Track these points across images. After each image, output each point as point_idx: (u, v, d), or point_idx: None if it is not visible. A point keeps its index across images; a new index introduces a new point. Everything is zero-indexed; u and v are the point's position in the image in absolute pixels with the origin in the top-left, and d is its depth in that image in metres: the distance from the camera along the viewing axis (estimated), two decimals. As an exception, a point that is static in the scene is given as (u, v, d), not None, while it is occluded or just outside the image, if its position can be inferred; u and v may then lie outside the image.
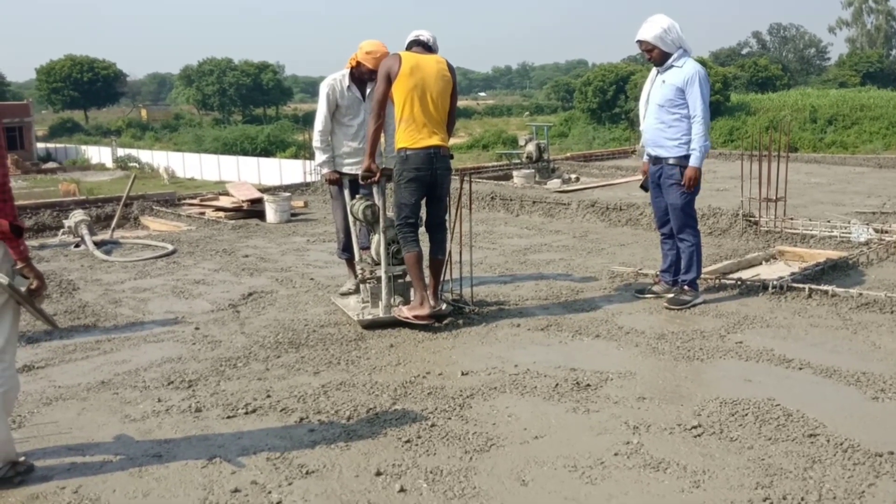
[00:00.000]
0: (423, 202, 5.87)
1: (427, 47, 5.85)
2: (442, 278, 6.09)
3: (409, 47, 5.86)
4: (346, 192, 6.40)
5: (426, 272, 5.89)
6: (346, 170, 6.45)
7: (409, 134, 5.67)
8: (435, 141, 5.70)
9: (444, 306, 5.93)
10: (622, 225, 10.25)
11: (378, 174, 5.82)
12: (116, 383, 4.73)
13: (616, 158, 19.86)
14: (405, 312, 5.68)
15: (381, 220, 5.87)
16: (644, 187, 6.64)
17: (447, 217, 6.05)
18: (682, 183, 6.10)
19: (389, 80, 5.64)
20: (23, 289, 3.39)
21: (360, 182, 5.93)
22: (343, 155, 6.48)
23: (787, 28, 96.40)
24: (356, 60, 6.32)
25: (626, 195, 12.09)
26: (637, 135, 20.44)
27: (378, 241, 5.92)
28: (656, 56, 6.12)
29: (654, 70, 6.36)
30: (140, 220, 11.70)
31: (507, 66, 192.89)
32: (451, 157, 5.92)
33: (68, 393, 4.58)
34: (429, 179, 5.73)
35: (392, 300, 5.86)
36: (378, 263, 5.94)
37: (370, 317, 5.81)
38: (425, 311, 5.65)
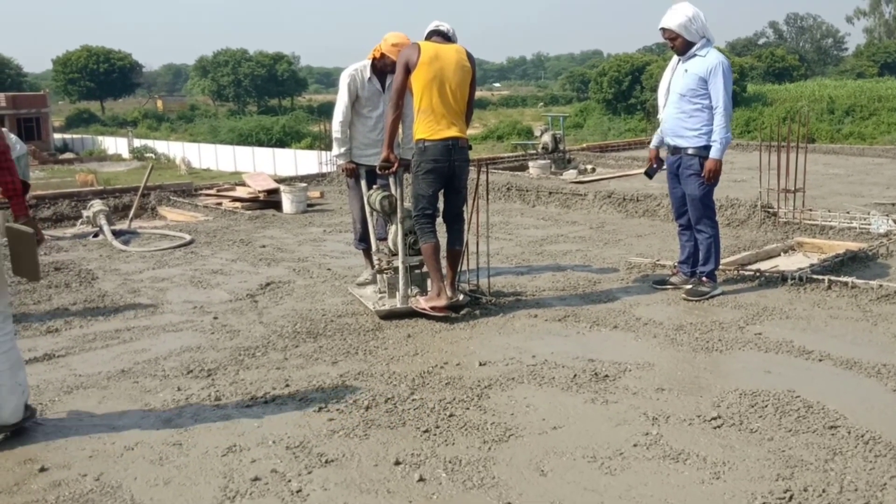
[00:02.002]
0: (441, 193, 5.86)
1: (446, 38, 5.82)
2: (459, 269, 6.08)
3: (429, 37, 5.82)
4: (363, 183, 6.39)
5: (443, 263, 5.88)
6: (363, 161, 6.45)
7: (428, 125, 5.65)
8: (453, 132, 5.68)
9: (461, 297, 5.93)
10: (639, 216, 10.21)
11: (396, 164, 5.82)
12: (136, 372, 4.76)
13: (632, 149, 19.76)
14: (422, 303, 5.68)
15: (398, 210, 5.87)
16: (648, 174, 6.62)
17: (465, 208, 6.04)
18: (702, 174, 6.06)
19: (408, 70, 5.62)
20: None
21: (378, 172, 5.93)
22: (361, 146, 6.47)
23: (804, 18, 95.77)
24: (380, 52, 6.28)
25: (643, 186, 12.03)
26: (653, 125, 20.37)
27: (395, 231, 5.92)
28: (679, 45, 6.07)
29: (674, 58, 6.31)
30: (157, 210, 11.75)
31: (522, 57, 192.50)
32: (470, 147, 5.90)
33: (89, 382, 4.61)
34: (447, 171, 5.71)
35: (409, 291, 5.86)
36: (395, 254, 5.94)
37: (387, 307, 5.82)
38: (442, 302, 5.64)
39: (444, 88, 5.62)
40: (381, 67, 6.35)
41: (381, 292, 6.12)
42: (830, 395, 4.23)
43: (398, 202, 5.88)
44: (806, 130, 10.64)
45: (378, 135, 6.38)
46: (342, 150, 6.45)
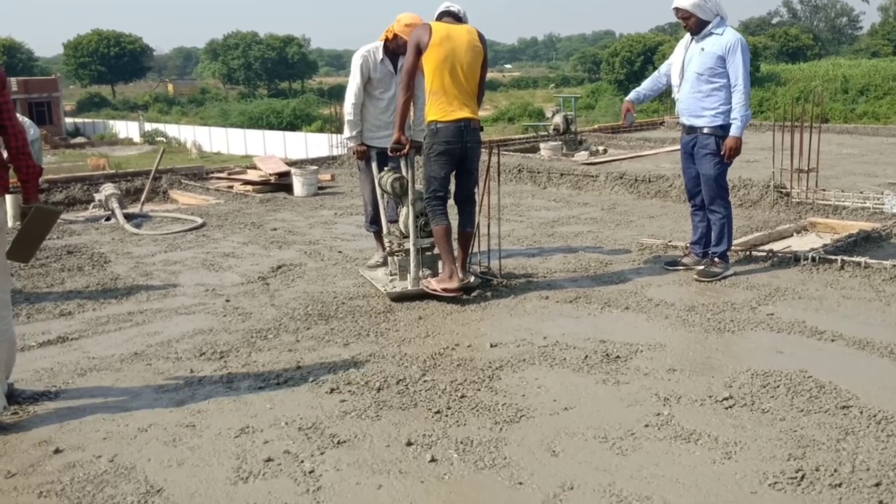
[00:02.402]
0: (453, 175, 5.86)
1: (457, 18, 5.78)
2: (470, 251, 6.09)
3: (440, 18, 5.79)
4: (374, 165, 6.39)
5: (455, 246, 5.88)
6: (374, 143, 6.44)
7: (440, 106, 5.63)
8: (465, 113, 5.66)
9: (472, 279, 5.94)
10: (651, 197, 10.17)
11: (408, 146, 5.81)
12: (149, 354, 4.79)
13: (644, 130, 19.66)
14: (434, 285, 5.69)
15: (409, 192, 5.86)
16: (624, 127, 6.63)
17: (476, 190, 6.03)
18: (722, 153, 6.03)
19: (419, 51, 5.59)
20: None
21: (389, 154, 5.92)
22: (372, 128, 6.45)
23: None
24: (393, 32, 6.25)
25: (655, 167, 11.98)
26: (665, 106, 20.25)
27: (406, 213, 5.92)
28: (693, 24, 6.02)
29: (685, 38, 6.26)
30: (169, 193, 11.79)
31: (534, 38, 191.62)
32: (482, 129, 5.89)
33: (102, 364, 4.65)
34: (459, 153, 5.70)
35: (420, 273, 5.87)
36: (406, 236, 5.95)
37: (398, 289, 5.83)
38: (454, 283, 5.65)
39: (455, 69, 5.59)
40: (394, 49, 6.32)
41: (392, 275, 6.13)
42: (843, 375, 4.22)
43: (409, 184, 5.87)
44: (820, 110, 10.57)
45: (390, 117, 6.36)
46: (354, 132, 6.44)
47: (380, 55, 6.36)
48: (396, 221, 6.21)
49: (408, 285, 5.84)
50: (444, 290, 5.64)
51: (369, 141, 6.47)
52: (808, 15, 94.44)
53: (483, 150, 6.16)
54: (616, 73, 52.03)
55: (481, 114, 6.34)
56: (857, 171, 11.63)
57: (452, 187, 5.93)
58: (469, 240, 5.98)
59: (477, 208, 6.07)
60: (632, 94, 6.64)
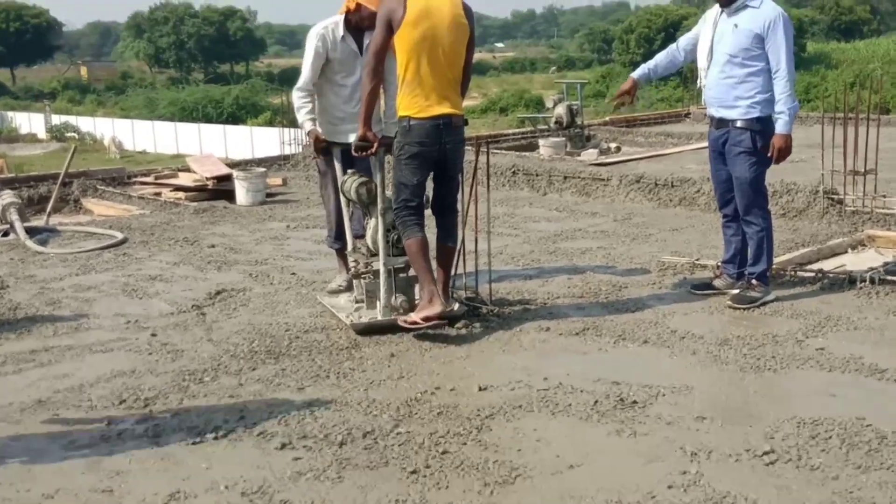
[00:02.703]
0: (431, 178, 5.87)
1: None
2: (453, 272, 6.09)
3: None
4: (338, 167, 6.39)
5: (434, 265, 5.88)
6: (337, 139, 6.43)
7: (414, 100, 5.63)
8: (445, 108, 5.65)
9: (456, 306, 5.94)
10: (674, 205, 10.24)
11: (376, 144, 5.81)
12: (57, 402, 4.76)
13: (665, 123, 19.80)
14: (413, 318, 5.61)
15: (378, 200, 5.87)
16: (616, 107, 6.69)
17: (458, 197, 6.04)
18: (765, 152, 6.07)
19: (391, 28, 5.56)
20: None
21: (354, 153, 5.91)
22: (334, 121, 6.46)
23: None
24: (355, 2, 6.26)
25: (679, 168, 12.06)
26: (691, 94, 20.36)
27: (375, 226, 5.92)
28: None
29: (713, 11, 6.32)
30: (82, 202, 11.74)
31: (531, 11, 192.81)
32: (466, 123, 5.91)
33: (-2, 414, 4.62)
34: (435, 155, 5.70)
35: (393, 299, 5.87)
36: (375, 254, 5.95)
37: (366, 320, 5.82)
38: (436, 309, 5.58)
39: (435, 53, 5.58)
40: (357, 23, 6.34)
41: (357, 301, 6.13)
42: (909, 423, 4.26)
43: (379, 190, 5.87)
44: (879, 99, 10.69)
45: (355, 107, 6.36)
46: (308, 117, 6.40)
47: (340, 32, 6.37)
48: (363, 236, 6.22)
49: (377, 314, 5.84)
50: (425, 318, 5.60)
51: (331, 136, 6.45)
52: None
53: (468, 148, 6.19)
54: (631, 54, 52.37)
55: (467, 103, 6.38)
56: (924, 173, 11.74)
57: (430, 194, 5.95)
58: (451, 257, 5.98)
59: (461, 219, 6.08)
60: (639, 70, 6.70)
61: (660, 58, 6.68)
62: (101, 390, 4.92)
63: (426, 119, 5.63)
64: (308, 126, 6.46)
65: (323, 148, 6.45)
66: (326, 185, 6.65)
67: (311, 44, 6.38)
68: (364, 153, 5.84)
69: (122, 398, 4.78)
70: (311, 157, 6.76)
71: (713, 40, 6.24)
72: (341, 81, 6.44)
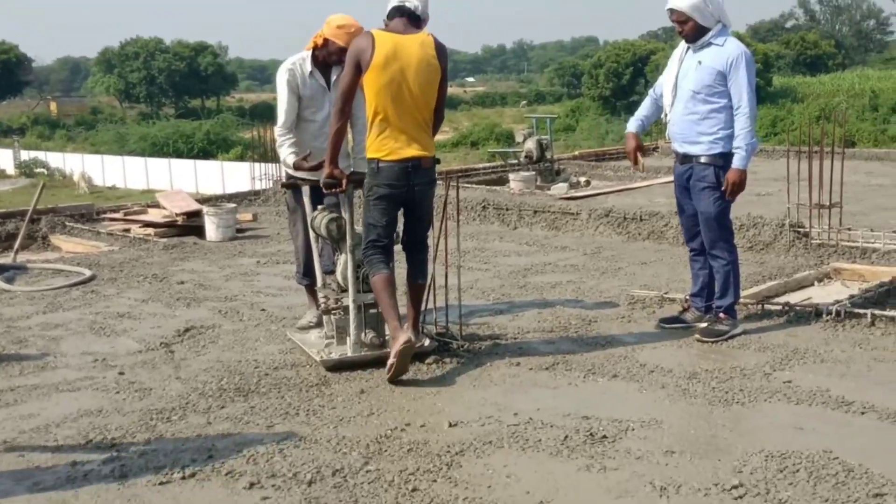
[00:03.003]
0: (401, 215, 5.87)
1: (413, 18, 5.65)
2: (423, 307, 6.09)
3: (391, 17, 5.66)
4: (307, 203, 6.40)
5: (404, 300, 5.86)
6: (306, 175, 6.45)
7: (383, 142, 5.60)
8: (413, 151, 5.62)
9: (426, 342, 5.94)
10: (643, 238, 10.30)
11: (345, 182, 5.80)
12: (22, 443, 4.71)
13: (635, 157, 19.91)
14: (391, 360, 5.45)
15: (348, 237, 5.87)
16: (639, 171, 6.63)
17: (430, 233, 6.04)
18: (723, 189, 6.13)
19: (359, 68, 5.53)
20: None
21: (324, 191, 5.91)
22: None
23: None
24: (322, 38, 6.29)
25: (648, 202, 12.15)
26: (660, 128, 20.54)
27: (345, 262, 5.92)
28: (690, 30, 6.16)
29: (680, 47, 6.40)
30: (50, 239, 11.66)
31: (501, 46, 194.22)
32: (438, 162, 5.91)
33: (-38, 456, 4.56)
34: (404, 197, 5.69)
35: (363, 335, 5.86)
36: (345, 290, 5.95)
37: (336, 356, 5.81)
38: (401, 339, 5.40)
39: (403, 95, 5.55)
40: (325, 58, 6.37)
41: (327, 338, 6.12)
42: (875, 455, 4.28)
43: (349, 226, 5.87)
44: (844, 132, 10.82)
45: (323, 142, 6.36)
46: (291, 150, 6.37)
47: (308, 67, 6.41)
48: (333, 272, 6.22)
49: (347, 351, 5.83)
50: (395, 354, 5.43)
51: (298, 173, 6.47)
52: (828, 18, 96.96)
53: (439, 181, 6.19)
54: (601, 88, 52.96)
55: (438, 137, 6.38)
56: (889, 206, 11.89)
57: (400, 229, 5.95)
58: (421, 294, 5.98)
59: (431, 254, 6.08)
60: (633, 124, 6.69)
61: (645, 108, 6.65)
62: (67, 430, 4.88)
63: (395, 162, 5.60)
64: (291, 160, 6.42)
65: (292, 184, 6.47)
66: (296, 220, 6.66)
67: (283, 78, 6.41)
68: (333, 191, 5.83)
69: (89, 438, 4.74)
70: (281, 192, 6.75)
71: (678, 76, 6.32)
72: (310, 117, 6.46)
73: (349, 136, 6.20)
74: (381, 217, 5.70)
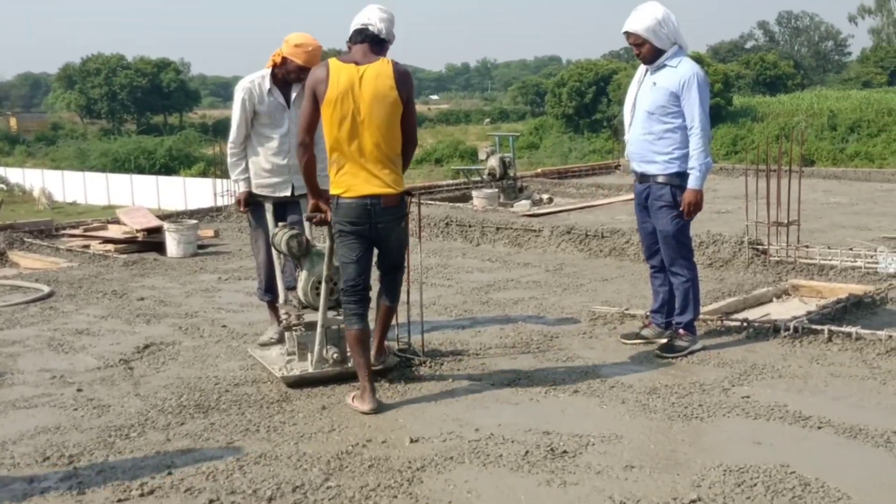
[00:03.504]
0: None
1: (376, 42, 5.38)
2: (389, 329, 6.07)
3: (353, 41, 5.44)
4: (270, 219, 6.39)
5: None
6: (267, 192, 6.45)
7: (341, 178, 5.37)
8: (373, 188, 5.35)
9: (389, 357, 5.93)
10: (604, 255, 10.36)
11: (328, 213, 5.55)
12: (-23, 461, 4.65)
13: (597, 174, 20.10)
14: (349, 401, 5.45)
15: (309, 252, 5.86)
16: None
17: (405, 258, 5.86)
18: (681, 208, 6.18)
19: (316, 101, 5.33)
20: None
21: (309, 222, 5.82)
22: (262, 173, 6.47)
23: (800, 17, 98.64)
24: (281, 56, 6.31)
25: (609, 219, 12.24)
26: (622, 146, 20.75)
27: (307, 278, 5.91)
28: (646, 52, 6.23)
29: (641, 69, 6.48)
30: (8, 255, 11.53)
31: (465, 64, 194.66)
32: (408, 194, 5.64)
33: (-84, 474, 4.50)
34: (367, 233, 5.44)
35: (325, 351, 5.85)
36: (306, 306, 5.93)
37: (297, 372, 5.79)
38: (366, 406, 5.33)
39: (359, 132, 5.29)
40: (283, 76, 6.39)
41: (289, 354, 6.09)
42: (831, 469, 4.34)
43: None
44: (802, 150, 10.97)
45: (283, 159, 6.41)
46: (237, 176, 6.49)
47: (267, 85, 6.42)
48: (295, 288, 6.20)
49: (308, 367, 5.82)
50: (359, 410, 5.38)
51: (260, 190, 6.49)
52: (787, 39, 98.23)
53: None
54: (564, 107, 53.17)
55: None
56: (846, 224, 12.05)
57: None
58: (389, 316, 5.83)
59: (404, 275, 5.93)
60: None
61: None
62: (24, 447, 4.82)
63: (353, 198, 5.36)
64: (242, 186, 6.50)
65: (253, 200, 6.48)
66: (257, 237, 6.65)
67: (238, 97, 6.45)
68: (317, 222, 5.69)
69: (46, 455, 4.69)
70: (240, 210, 6.75)
71: (636, 97, 6.39)
72: (269, 134, 6.47)
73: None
74: (350, 252, 5.46)
